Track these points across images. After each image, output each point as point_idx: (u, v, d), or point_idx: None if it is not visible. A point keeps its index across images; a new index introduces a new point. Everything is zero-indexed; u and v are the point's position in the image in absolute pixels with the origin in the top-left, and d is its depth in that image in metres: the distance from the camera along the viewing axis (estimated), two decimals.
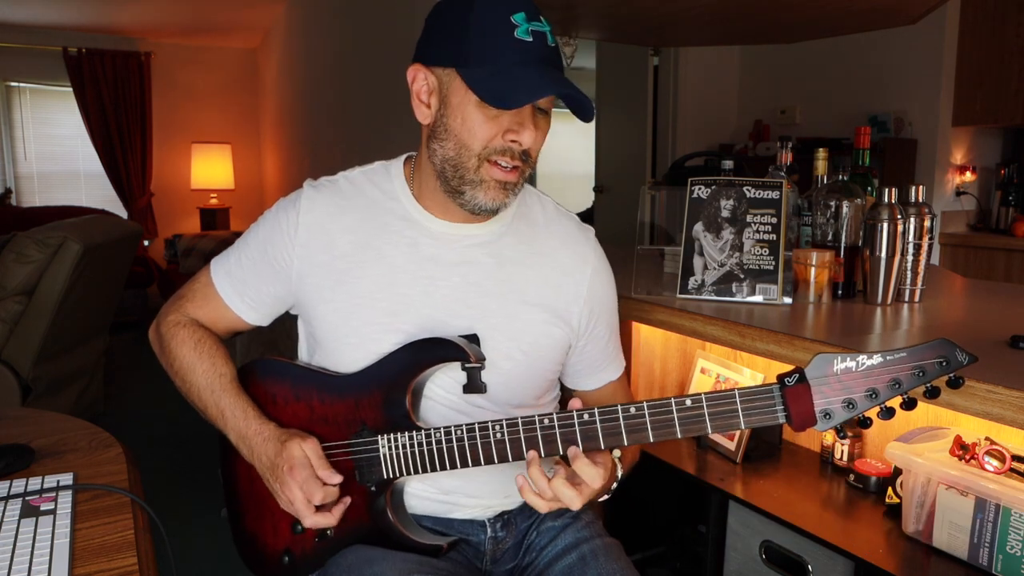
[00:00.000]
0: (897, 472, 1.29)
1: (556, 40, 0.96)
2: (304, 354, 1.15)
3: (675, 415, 0.87)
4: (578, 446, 0.90)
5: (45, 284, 2.80)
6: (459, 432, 0.94)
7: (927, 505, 1.19)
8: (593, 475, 0.89)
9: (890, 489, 1.32)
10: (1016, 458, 1.14)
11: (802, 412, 0.83)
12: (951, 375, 0.80)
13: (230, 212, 6.92)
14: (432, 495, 1.06)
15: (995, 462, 1.14)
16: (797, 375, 0.83)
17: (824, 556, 1.24)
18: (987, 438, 1.17)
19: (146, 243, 6.57)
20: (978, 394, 0.97)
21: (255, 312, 1.11)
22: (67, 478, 0.96)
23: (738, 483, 1.45)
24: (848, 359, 0.82)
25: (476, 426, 0.93)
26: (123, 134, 6.56)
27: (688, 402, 0.86)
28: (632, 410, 0.88)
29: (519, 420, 0.92)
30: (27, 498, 0.90)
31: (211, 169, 6.88)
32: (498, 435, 0.93)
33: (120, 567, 0.78)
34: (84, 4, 5.63)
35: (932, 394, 0.81)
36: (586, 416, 0.90)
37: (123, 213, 6.58)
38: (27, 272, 2.76)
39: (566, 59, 2.77)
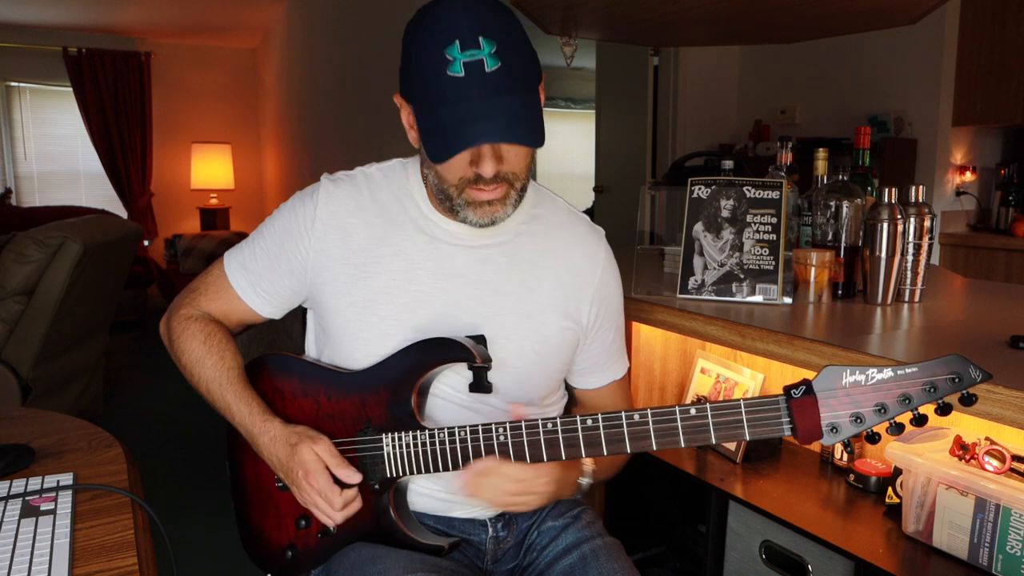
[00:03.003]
0: (897, 472, 1.29)
1: (499, 60, 0.88)
2: (312, 349, 1.15)
3: (679, 424, 0.86)
4: (581, 451, 0.91)
5: (45, 284, 2.80)
6: (463, 433, 0.95)
7: (927, 505, 1.19)
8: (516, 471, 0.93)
9: (890, 489, 1.32)
10: (1016, 458, 1.14)
11: (808, 426, 0.81)
12: (964, 392, 0.78)
13: (230, 212, 6.92)
14: (434, 493, 1.07)
15: (995, 462, 1.14)
16: (804, 387, 0.82)
17: (824, 556, 1.24)
18: (987, 438, 1.17)
19: (146, 243, 6.57)
20: (978, 394, 0.97)
21: (268, 305, 1.11)
22: (67, 478, 0.96)
23: (738, 483, 1.45)
24: (857, 372, 0.80)
25: (480, 428, 0.94)
26: (123, 134, 6.56)
27: (693, 411, 0.85)
28: (636, 417, 0.88)
29: (523, 424, 0.92)
30: (27, 498, 0.90)
31: (211, 169, 6.89)
32: (501, 438, 0.93)
33: (120, 567, 0.78)
34: (84, 4, 5.62)
35: (944, 411, 0.79)
36: (589, 421, 0.90)
37: (123, 213, 6.58)
38: (27, 272, 2.76)
39: (566, 59, 2.76)
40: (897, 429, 0.80)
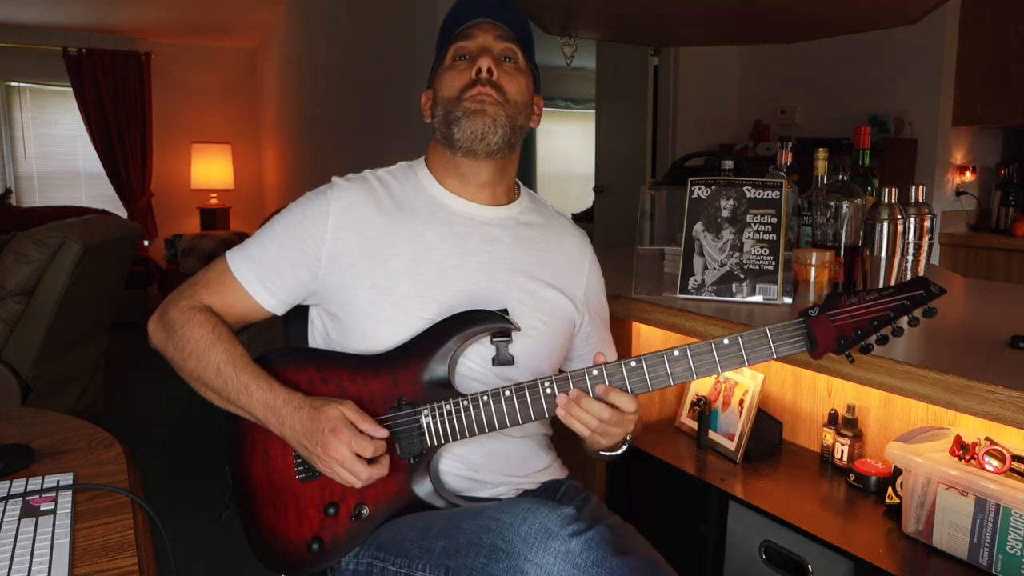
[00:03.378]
0: (897, 472, 1.29)
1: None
2: (320, 344, 1.17)
3: (715, 354, 0.99)
4: (628, 390, 1.00)
5: (45, 284, 2.80)
6: (507, 392, 1.00)
7: (927, 505, 1.19)
8: (627, 401, 0.98)
9: (890, 489, 1.32)
10: (1016, 458, 1.14)
11: (825, 339, 0.99)
12: (926, 307, 0.99)
13: (230, 212, 6.91)
14: (460, 471, 1.09)
15: (995, 462, 1.14)
16: (818, 308, 1.00)
17: (824, 556, 1.24)
18: (987, 438, 1.17)
19: (146, 243, 6.56)
20: (978, 394, 0.97)
21: (274, 298, 1.12)
22: (67, 478, 0.96)
23: (738, 483, 1.45)
24: (854, 295, 0.99)
25: (525, 384, 1.01)
26: (123, 134, 6.56)
27: (726, 341, 0.99)
28: (676, 354, 1.00)
29: (568, 374, 1.00)
30: (27, 498, 0.90)
31: (211, 169, 6.88)
32: (547, 390, 1.00)
33: (120, 567, 0.78)
34: (84, 4, 5.62)
35: (914, 322, 0.99)
36: (633, 363, 1.00)
37: (123, 213, 6.58)
38: (27, 272, 2.75)
39: (566, 59, 2.77)
40: (882, 341, 1.01)
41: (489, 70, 1.09)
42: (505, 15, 1.14)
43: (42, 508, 0.88)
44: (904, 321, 0.99)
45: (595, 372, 1.00)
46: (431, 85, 1.19)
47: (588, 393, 1.00)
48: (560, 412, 0.99)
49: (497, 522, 0.93)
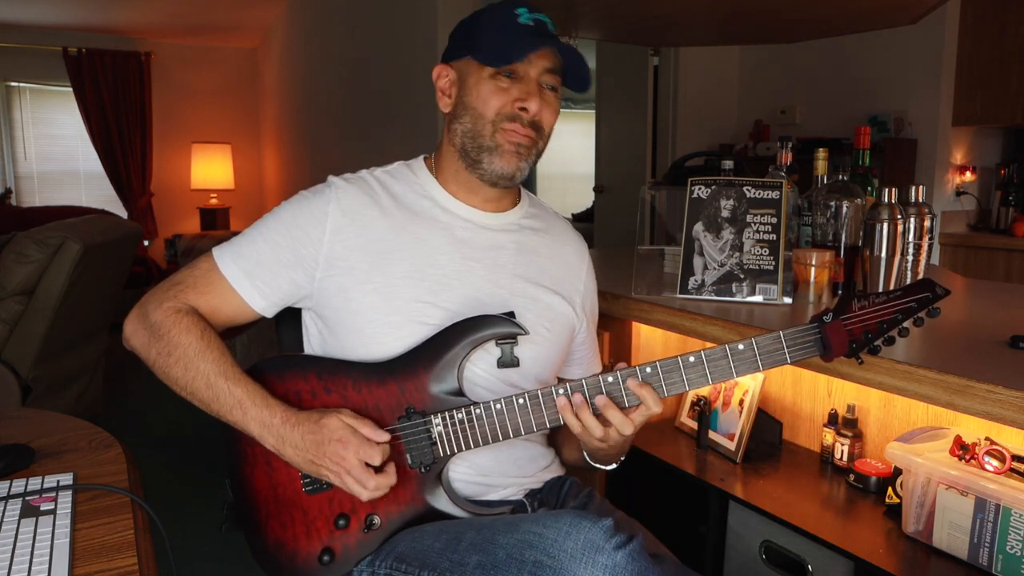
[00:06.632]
0: (897, 472, 1.29)
1: (556, 30, 1.08)
2: (317, 350, 1.13)
3: (730, 360, 0.98)
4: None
5: (45, 284, 2.80)
6: (521, 400, 0.99)
7: (927, 505, 1.19)
8: (622, 421, 0.96)
9: (890, 489, 1.32)
10: (1016, 458, 1.14)
11: (838, 343, 0.99)
12: (930, 307, 0.99)
13: (230, 212, 6.91)
14: (470, 477, 1.08)
15: (995, 462, 1.14)
16: (831, 313, 1.00)
17: (824, 556, 1.24)
18: (987, 438, 1.18)
19: (146, 243, 6.56)
20: (978, 394, 0.97)
21: (264, 299, 1.07)
22: (67, 478, 0.96)
23: (738, 483, 1.45)
24: (863, 299, 1.00)
25: (539, 391, 0.99)
26: (123, 134, 6.55)
27: (741, 346, 0.98)
28: (691, 359, 0.98)
29: (583, 381, 0.98)
30: (27, 498, 0.90)
31: (211, 169, 6.88)
32: (561, 397, 0.98)
33: (120, 567, 0.78)
34: (84, 4, 5.62)
35: (919, 322, 1.00)
36: (648, 369, 0.98)
37: (123, 213, 6.57)
38: (27, 272, 2.75)
39: None
40: (889, 341, 1.01)
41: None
42: (560, 44, 1.07)
43: (42, 508, 0.88)
44: (910, 322, 1.00)
45: (610, 379, 0.98)
46: (449, 62, 1.11)
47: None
48: (570, 417, 0.98)
49: (539, 537, 0.90)
